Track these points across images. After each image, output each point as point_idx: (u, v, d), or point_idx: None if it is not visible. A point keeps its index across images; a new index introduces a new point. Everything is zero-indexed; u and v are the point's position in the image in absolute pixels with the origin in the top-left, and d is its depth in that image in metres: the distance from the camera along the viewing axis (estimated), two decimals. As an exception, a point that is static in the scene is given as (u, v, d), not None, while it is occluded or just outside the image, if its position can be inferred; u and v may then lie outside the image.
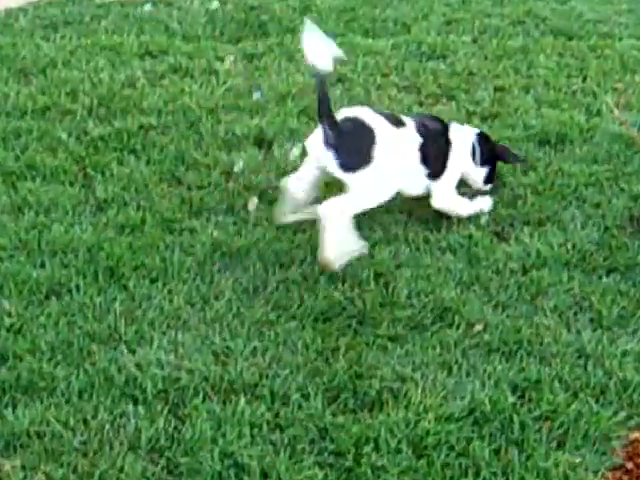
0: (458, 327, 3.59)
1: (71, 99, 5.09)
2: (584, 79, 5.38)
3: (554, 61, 5.55)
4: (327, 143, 3.88)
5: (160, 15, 5.97)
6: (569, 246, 4.01)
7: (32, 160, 4.55)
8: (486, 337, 3.53)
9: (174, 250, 3.96)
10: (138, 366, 3.37)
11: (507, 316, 3.65)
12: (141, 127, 4.83)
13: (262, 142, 4.74)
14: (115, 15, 6.07)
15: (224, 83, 5.28)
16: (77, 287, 3.75)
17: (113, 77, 5.32)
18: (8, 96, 5.11)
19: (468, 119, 4.91)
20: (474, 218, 4.18)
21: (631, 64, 5.57)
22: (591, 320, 3.65)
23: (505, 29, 5.98)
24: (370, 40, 5.79)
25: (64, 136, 4.74)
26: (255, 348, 3.48)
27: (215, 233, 4.07)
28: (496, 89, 5.26)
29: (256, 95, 5.13)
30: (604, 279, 3.84)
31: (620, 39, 5.89)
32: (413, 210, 4.24)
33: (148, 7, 5.97)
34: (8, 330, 3.57)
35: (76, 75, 5.32)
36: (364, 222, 4.09)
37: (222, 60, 5.49)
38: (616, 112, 4.40)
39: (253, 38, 5.80)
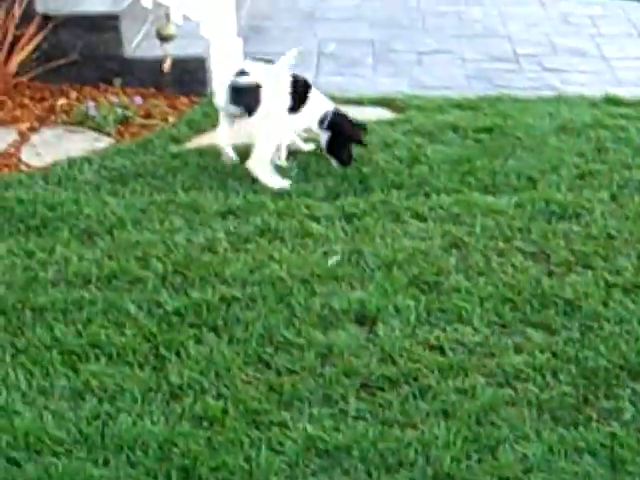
0: None
1: (142, 265, 5.15)
2: None
3: None
4: None
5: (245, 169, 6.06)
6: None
7: (96, 337, 4.61)
8: None
9: (260, 448, 3.96)
10: None
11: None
12: (222, 299, 4.87)
13: (364, 319, 4.75)
14: (193, 167, 6.17)
15: (320, 248, 5.30)
16: (147, 490, 3.79)
17: (190, 240, 5.38)
18: (70, 261, 5.20)
19: (607, 291, 4.90)
20: (617, 414, 4.15)
21: None
22: None
23: (650, 183, 5.97)
24: (490, 197, 5.80)
25: (133, 309, 4.81)
26: None
27: (309, 428, 4.06)
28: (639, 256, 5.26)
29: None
30: None
31: None
32: (543, 403, 4.21)
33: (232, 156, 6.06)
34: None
35: (148, 237, 5.40)
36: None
37: (317, 221, 5.54)
38: None
39: (353, 194, 5.85)
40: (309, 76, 7.66)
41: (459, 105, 7.13)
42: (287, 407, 4.20)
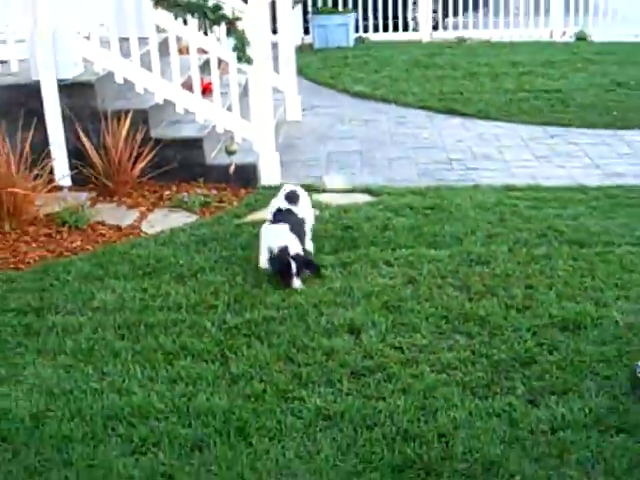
0: (502, 477, 3.44)
1: (215, 297, 5.09)
2: (593, 278, 5.24)
3: (570, 265, 5.43)
4: None
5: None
6: (587, 411, 3.85)
7: (184, 343, 4.55)
8: (524, 487, 3.38)
9: (287, 415, 3.89)
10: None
11: (540, 468, 3.49)
12: (264, 318, 4.80)
13: (353, 330, 4.68)
14: (248, 233, 6.11)
15: (327, 285, 5.23)
16: (214, 443, 3.70)
17: (246, 280, 5.32)
18: (170, 294, 5.15)
19: (506, 311, 4.82)
20: (513, 390, 4.05)
21: (629, 265, 5.41)
22: (605, 471, 3.48)
23: (532, 240, 5.88)
24: (432, 250, 5.73)
25: (208, 325, 4.74)
26: (347, 493, 3.37)
27: (318, 401, 3.99)
28: (527, 287, 5.15)
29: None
30: (615, 437, 3.67)
31: (619, 246, 5.74)
32: (466, 383, 4.12)
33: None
34: (163, 476, 3.52)
35: (218, 279, 5.34)
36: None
37: (325, 267, 5.47)
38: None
39: (347, 250, 5.78)
40: (320, 174, 7.66)
41: (413, 192, 7.05)
42: (304, 387, 4.12)
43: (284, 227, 5.43)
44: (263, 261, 5.43)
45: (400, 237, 5.96)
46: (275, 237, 5.38)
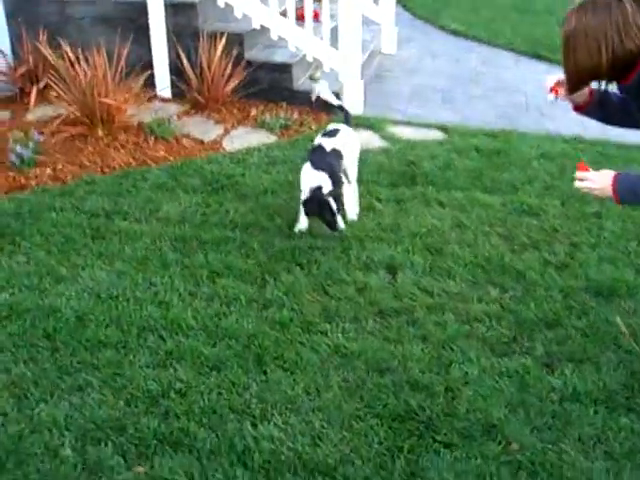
0: (500, 443, 3.04)
1: (268, 219, 4.74)
2: (638, 243, 4.63)
3: (618, 226, 4.83)
4: None
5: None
6: (600, 384, 3.37)
7: (229, 263, 4.24)
8: (518, 456, 2.97)
9: (306, 347, 3.56)
10: (255, 439, 3.00)
11: (539, 439, 3.07)
12: (310, 247, 4.44)
13: (391, 268, 4.26)
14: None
15: (377, 219, 4.81)
16: (232, 366, 3.41)
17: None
18: (229, 212, 4.84)
19: (545, 267, 4.30)
20: (532, 351, 3.59)
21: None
22: (605, 452, 3.03)
23: (587, 196, 5.23)
24: (487, 196, 5.19)
25: (256, 246, 4.41)
26: (343, 437, 3.04)
27: (339, 337, 3.64)
28: (571, 244, 4.61)
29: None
30: (623, 418, 3.19)
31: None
32: (487, 339, 3.68)
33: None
34: (177, 393, 3.27)
35: (277, 202, 4.98)
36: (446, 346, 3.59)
37: (379, 201, 5.04)
38: (623, 329, 3.69)
39: (404, 186, 5.30)
40: (402, 107, 7.10)
41: (484, 133, 6.44)
42: (329, 321, 3.78)
43: (307, 165, 4.50)
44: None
45: (459, 179, 5.43)
46: (306, 177, 4.47)
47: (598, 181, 2.88)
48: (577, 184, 2.94)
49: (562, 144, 6.27)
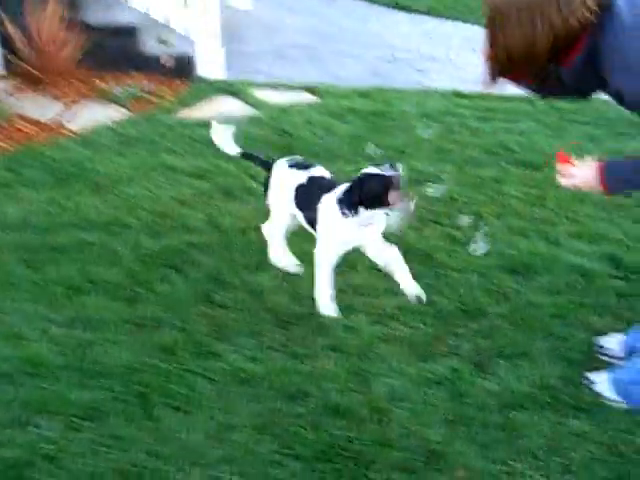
0: (444, 472, 2.59)
1: (131, 214, 4.05)
2: (544, 207, 4.33)
3: (520, 190, 4.50)
4: None
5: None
6: (539, 382, 2.99)
7: (90, 274, 3.55)
8: (469, 486, 2.54)
9: (198, 376, 2.96)
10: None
11: (488, 459, 2.64)
12: (187, 244, 3.81)
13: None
14: (178, 135, 5.02)
15: (257, 203, 4.21)
16: (109, 413, 2.77)
17: (169, 195, 4.29)
18: (80, 208, 4.11)
19: (452, 245, 3.89)
20: (458, 350, 3.17)
21: (579, 194, 4.49)
22: (562, 466, 2.64)
23: (482, 159, 4.90)
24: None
25: (120, 250, 3.73)
26: (260, 491, 2.49)
27: (236, 359, 3.05)
28: (475, 214, 4.22)
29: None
30: (571, 419, 2.82)
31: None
32: (405, 339, 3.21)
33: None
34: (43, 458, 2.59)
35: (139, 191, 4.29)
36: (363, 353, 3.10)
37: (256, 179, 4.45)
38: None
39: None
40: (266, 67, 6.50)
41: (358, 93, 5.98)
42: (222, 339, 3.18)
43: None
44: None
45: (342, 148, 4.93)
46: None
47: (583, 176, 2.49)
48: (561, 182, 2.53)
49: (442, 100, 5.90)
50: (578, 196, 4.48)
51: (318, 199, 3.29)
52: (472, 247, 3.02)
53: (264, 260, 3.68)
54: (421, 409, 2.83)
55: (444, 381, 2.98)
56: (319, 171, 3.46)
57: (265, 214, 3.65)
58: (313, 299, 3.37)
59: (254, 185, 4.38)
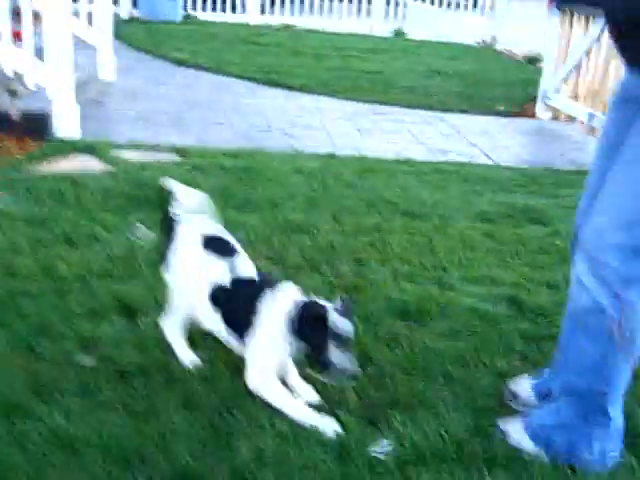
0: None
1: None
2: (433, 254, 3.88)
3: (405, 239, 4.04)
4: None
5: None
6: (444, 434, 2.41)
7: None
8: None
9: (11, 445, 2.21)
10: None
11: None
12: (11, 292, 3.07)
13: (129, 311, 3.03)
14: (19, 186, 4.32)
15: (103, 250, 3.57)
16: None
17: (-2, 242, 3.56)
18: None
19: (332, 293, 3.32)
20: (343, 400, 2.56)
21: (470, 241, 4.09)
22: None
23: (360, 209, 4.46)
24: (244, 216, 4.18)
25: None
26: None
27: (56, 419, 2.33)
28: (356, 261, 3.72)
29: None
30: (487, 478, 2.25)
31: (458, 221, 4.42)
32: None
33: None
34: None
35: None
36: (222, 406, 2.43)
37: (107, 228, 3.80)
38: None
39: (139, 211, 4.12)
40: (125, 130, 5.91)
41: (226, 154, 5.45)
42: (43, 396, 2.45)
43: None
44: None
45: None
46: None
47: None
48: None
49: (317, 161, 5.47)
50: (468, 243, 4.07)
51: None
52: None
53: (104, 307, 2.99)
54: (299, 474, 2.18)
55: (328, 440, 2.35)
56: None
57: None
58: (161, 346, 2.70)
59: (102, 233, 3.72)
